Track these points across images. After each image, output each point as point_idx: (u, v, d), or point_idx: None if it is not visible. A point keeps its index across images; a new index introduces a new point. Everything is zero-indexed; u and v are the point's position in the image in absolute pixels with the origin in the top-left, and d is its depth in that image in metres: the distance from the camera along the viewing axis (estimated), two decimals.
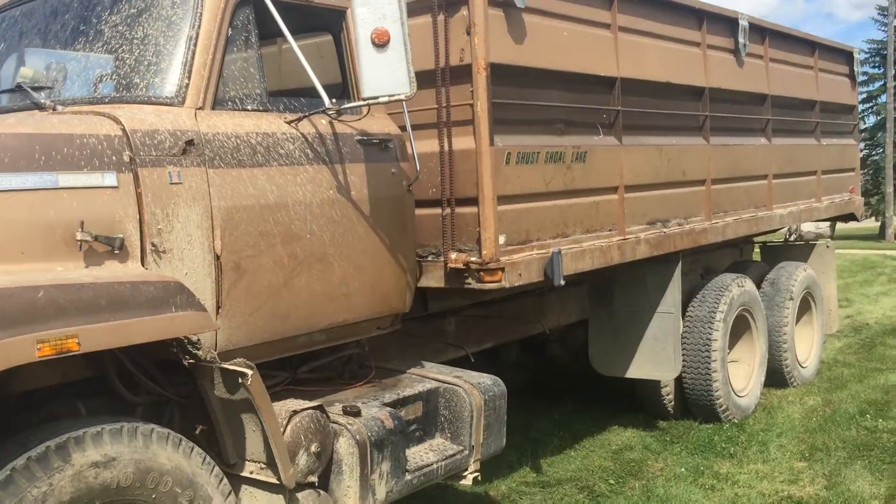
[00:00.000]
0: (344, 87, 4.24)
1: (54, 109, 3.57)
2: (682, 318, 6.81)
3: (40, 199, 3.00)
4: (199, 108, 3.53)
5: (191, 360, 3.33)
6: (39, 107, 3.64)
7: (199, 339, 3.32)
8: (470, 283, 4.56)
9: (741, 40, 6.96)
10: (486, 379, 4.63)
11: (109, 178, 3.15)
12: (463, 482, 4.47)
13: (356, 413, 3.94)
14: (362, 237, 4.08)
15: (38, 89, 3.80)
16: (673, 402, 6.93)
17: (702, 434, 6.54)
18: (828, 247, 9.11)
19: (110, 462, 2.93)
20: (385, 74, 3.64)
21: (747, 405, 7.14)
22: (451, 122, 4.53)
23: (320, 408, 3.75)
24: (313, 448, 3.65)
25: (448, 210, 4.57)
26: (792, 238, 25.85)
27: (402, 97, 3.68)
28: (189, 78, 3.55)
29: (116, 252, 3.13)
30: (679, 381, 6.83)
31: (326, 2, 4.12)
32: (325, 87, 3.84)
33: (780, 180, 7.81)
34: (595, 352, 6.62)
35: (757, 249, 9.50)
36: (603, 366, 6.60)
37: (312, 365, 4.38)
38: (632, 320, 6.40)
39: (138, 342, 2.99)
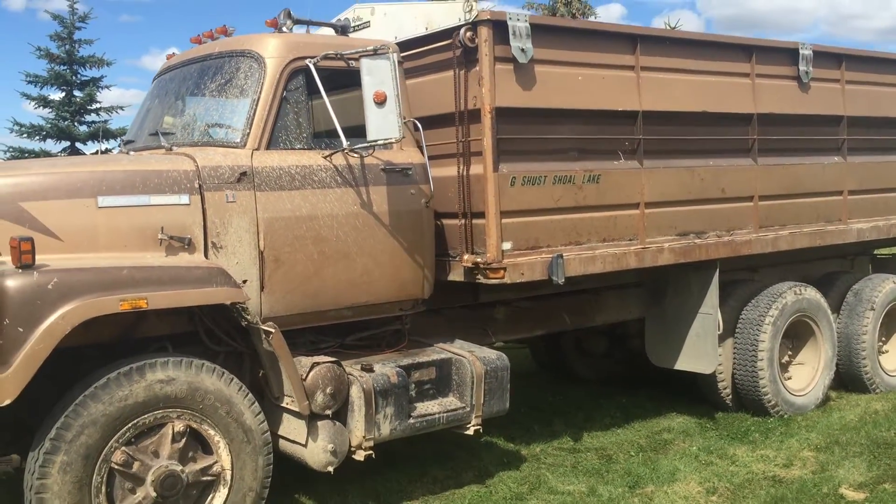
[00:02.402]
0: None
1: (170, 150, 5.31)
2: (736, 320, 7.58)
3: (138, 212, 4.72)
4: (256, 149, 5.13)
5: (244, 322, 4.95)
6: (164, 147, 5.40)
7: (247, 308, 4.92)
8: (480, 279, 5.84)
9: (803, 68, 7.58)
10: (492, 354, 5.89)
11: (184, 199, 4.83)
12: (466, 432, 5.75)
13: (370, 369, 5.37)
14: (382, 240, 5.51)
15: (166, 134, 5.57)
16: (731, 396, 7.67)
17: (743, 424, 7.27)
18: None
19: (171, 380, 4.58)
20: (382, 124, 5.05)
21: (804, 404, 7.71)
22: (470, 152, 5.82)
23: (337, 362, 5.22)
24: (328, 390, 5.12)
25: (466, 221, 5.87)
26: None
27: (393, 140, 5.10)
28: (250, 128, 5.16)
29: (186, 247, 4.80)
30: (733, 376, 7.60)
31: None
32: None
33: (861, 196, 8.24)
34: (650, 345, 7.59)
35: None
36: (656, 357, 7.55)
37: (359, 335, 5.88)
38: (679, 319, 7.30)
39: (188, 305, 4.65)
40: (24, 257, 4.22)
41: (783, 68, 7.52)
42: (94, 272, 4.40)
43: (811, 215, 7.85)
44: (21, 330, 4.15)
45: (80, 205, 4.63)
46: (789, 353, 7.90)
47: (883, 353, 8.72)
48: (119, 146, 6.53)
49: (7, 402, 4.15)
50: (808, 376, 7.91)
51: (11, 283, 4.18)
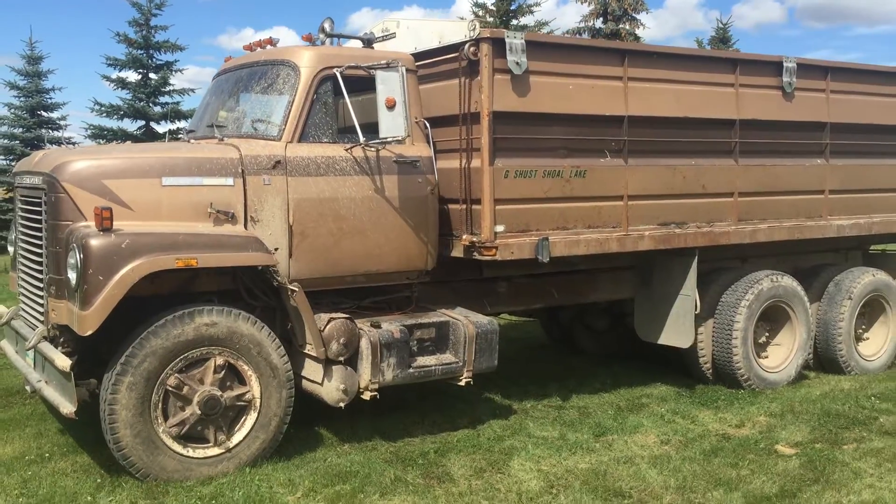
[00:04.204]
0: None
1: (222, 140, 6.51)
2: (717, 303, 8.52)
3: (193, 191, 5.94)
4: (289, 142, 6.30)
5: (275, 282, 6.14)
6: (217, 138, 6.60)
7: (278, 271, 6.10)
8: (475, 256, 6.92)
9: (786, 79, 8.44)
10: (484, 319, 6.97)
11: (229, 181, 6.03)
12: (459, 384, 6.85)
13: (377, 326, 6.51)
14: (392, 220, 6.63)
15: (220, 127, 6.78)
16: (710, 370, 8.62)
17: (716, 394, 8.21)
18: None
19: (214, 324, 5.79)
20: (392, 125, 6.17)
21: (777, 380, 8.61)
22: (471, 148, 6.90)
23: (350, 318, 6.37)
24: (342, 340, 6.27)
25: (466, 206, 6.95)
26: None
27: (400, 138, 6.22)
28: (285, 124, 6.33)
29: (229, 220, 6.00)
30: (712, 352, 8.55)
31: None
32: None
33: (843, 195, 9.06)
34: (638, 321, 8.59)
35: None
36: (642, 332, 8.55)
37: (373, 299, 7.02)
38: (663, 299, 8.27)
39: (229, 265, 5.86)
40: (104, 222, 5.47)
41: (767, 79, 8.39)
42: (157, 236, 5.63)
43: (791, 211, 8.71)
44: (101, 278, 5.40)
45: (149, 183, 5.87)
46: (767, 334, 8.80)
47: (863, 339, 9.56)
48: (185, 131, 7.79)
49: (89, 332, 5.41)
50: (782, 356, 8.80)
51: (95, 242, 5.43)
